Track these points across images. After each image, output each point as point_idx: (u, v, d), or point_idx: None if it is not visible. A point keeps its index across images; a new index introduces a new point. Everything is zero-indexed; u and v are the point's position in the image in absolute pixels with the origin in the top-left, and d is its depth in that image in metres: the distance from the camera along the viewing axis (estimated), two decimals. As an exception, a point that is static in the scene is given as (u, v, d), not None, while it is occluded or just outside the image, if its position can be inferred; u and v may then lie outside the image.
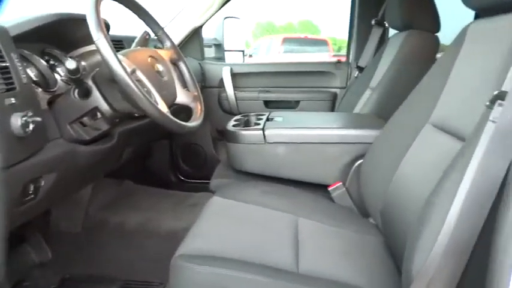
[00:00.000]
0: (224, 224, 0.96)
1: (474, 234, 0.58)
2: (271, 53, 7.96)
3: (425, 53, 1.52)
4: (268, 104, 2.13)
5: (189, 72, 1.12)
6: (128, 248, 1.42)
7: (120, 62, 0.77)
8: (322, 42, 8.39)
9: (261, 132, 1.27)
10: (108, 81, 0.87)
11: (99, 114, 0.90)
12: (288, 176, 1.28)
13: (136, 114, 1.02)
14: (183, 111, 1.10)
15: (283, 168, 1.28)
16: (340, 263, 0.87)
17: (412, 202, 0.83)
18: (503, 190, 0.56)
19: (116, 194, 1.66)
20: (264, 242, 0.89)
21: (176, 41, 1.95)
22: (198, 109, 1.06)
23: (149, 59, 0.96)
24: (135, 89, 0.77)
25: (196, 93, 1.10)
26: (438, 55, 1.55)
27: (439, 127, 0.87)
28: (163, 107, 0.86)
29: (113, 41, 0.82)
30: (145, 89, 0.86)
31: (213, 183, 1.35)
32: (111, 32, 1.19)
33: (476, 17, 1.15)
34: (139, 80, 0.86)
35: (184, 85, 1.11)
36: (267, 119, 1.40)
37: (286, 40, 8.22)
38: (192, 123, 0.97)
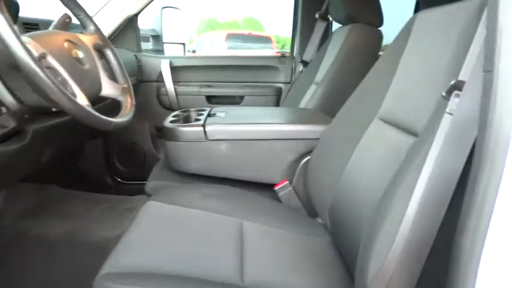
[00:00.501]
0: (159, 233, 0.85)
1: (432, 233, 0.54)
2: (215, 49, 7.83)
3: (369, 47, 1.51)
4: (211, 99, 2.04)
5: (117, 61, 0.99)
6: (51, 263, 1.25)
7: (23, 44, 0.63)
8: (266, 39, 8.39)
9: (202, 128, 1.16)
10: (12, 69, 0.72)
11: (3, 109, 0.75)
12: (232, 175, 1.20)
13: (54, 109, 0.88)
14: (116, 108, 0.97)
15: (227, 167, 1.19)
16: (288, 270, 0.81)
17: (363, 199, 0.79)
18: (464, 186, 0.51)
19: (37, 201, 1.47)
20: (205, 251, 0.80)
21: (108, 31, 1.79)
22: (128, 103, 0.94)
23: (66, 44, 0.82)
24: (44, 77, 0.64)
25: (126, 85, 0.98)
26: (380, 53, 1.55)
27: (388, 121, 0.84)
28: (82, 100, 0.73)
29: (27, 24, 0.68)
30: (59, 78, 0.72)
31: (149, 186, 1.22)
32: (25, 14, 1.03)
33: (416, 11, 1.14)
34: (50, 67, 0.72)
35: (112, 76, 0.98)
36: (209, 115, 1.30)
37: (230, 36, 8.11)
38: (120, 118, 0.85)
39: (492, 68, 0.42)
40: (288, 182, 1.17)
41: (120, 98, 0.94)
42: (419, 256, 0.55)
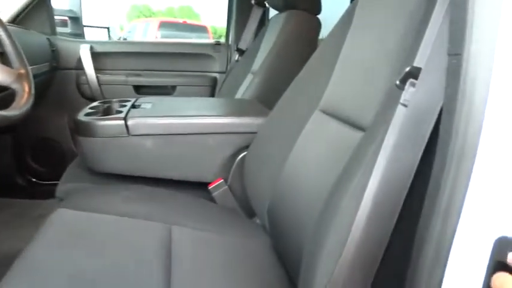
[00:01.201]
0: (67, 248, 0.71)
1: (386, 236, 0.48)
2: (148, 37, 7.47)
3: (307, 35, 1.45)
4: (140, 90, 1.87)
5: (11, 41, 0.81)
6: None
7: None
8: (201, 29, 8.17)
9: (123, 122, 1.01)
10: None
11: None
12: (159, 175, 1.06)
13: None
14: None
15: (153, 165, 1.05)
16: (222, 278, 0.72)
17: (304, 198, 0.72)
18: (418, 186, 0.46)
19: None
20: (124, 266, 0.68)
21: (14, 9, 1.56)
22: (24, 92, 0.77)
23: None
24: None
25: (23, 71, 0.80)
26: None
27: (331, 114, 0.77)
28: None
29: None
30: None
31: (60, 189, 1.05)
32: None
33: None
34: None
35: (4, 59, 0.80)
36: (133, 106, 1.15)
37: (163, 24, 7.78)
38: (11, 111, 0.68)
39: (461, 51, 0.35)
40: (222, 180, 1.06)
41: (15, 86, 0.76)
42: (372, 261, 0.49)
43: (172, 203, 0.95)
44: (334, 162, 0.65)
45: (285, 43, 1.44)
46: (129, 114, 1.04)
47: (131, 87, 1.84)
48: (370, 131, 0.57)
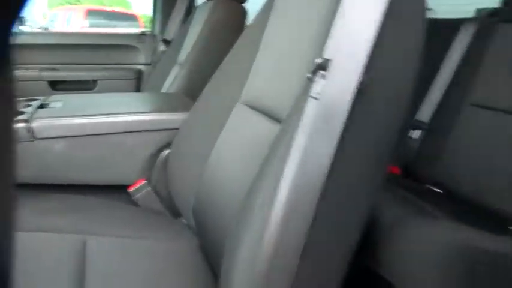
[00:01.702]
0: None
1: (304, 228, 0.47)
2: (73, 26, 6.98)
3: (233, 23, 1.41)
4: (56, 86, 1.71)
5: None
6: None
7: None
8: (131, 17, 7.79)
9: (26, 124, 0.90)
10: None
11: None
12: (74, 181, 0.97)
13: None
14: None
15: (66, 171, 0.95)
16: None
17: (228, 195, 0.70)
18: (334, 179, 0.45)
19: None
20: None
21: None
22: None
23: None
24: None
25: None
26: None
27: (252, 106, 0.74)
28: None
29: None
30: None
31: None
32: None
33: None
34: None
35: None
36: (41, 106, 1.04)
37: (90, 12, 7.32)
38: None
39: None
40: (145, 181, 0.99)
41: None
42: (293, 255, 0.48)
43: (88, 211, 0.87)
44: (254, 157, 0.63)
45: (210, 32, 1.39)
46: (34, 116, 0.93)
47: (46, 84, 1.68)
48: (284, 125, 0.55)
